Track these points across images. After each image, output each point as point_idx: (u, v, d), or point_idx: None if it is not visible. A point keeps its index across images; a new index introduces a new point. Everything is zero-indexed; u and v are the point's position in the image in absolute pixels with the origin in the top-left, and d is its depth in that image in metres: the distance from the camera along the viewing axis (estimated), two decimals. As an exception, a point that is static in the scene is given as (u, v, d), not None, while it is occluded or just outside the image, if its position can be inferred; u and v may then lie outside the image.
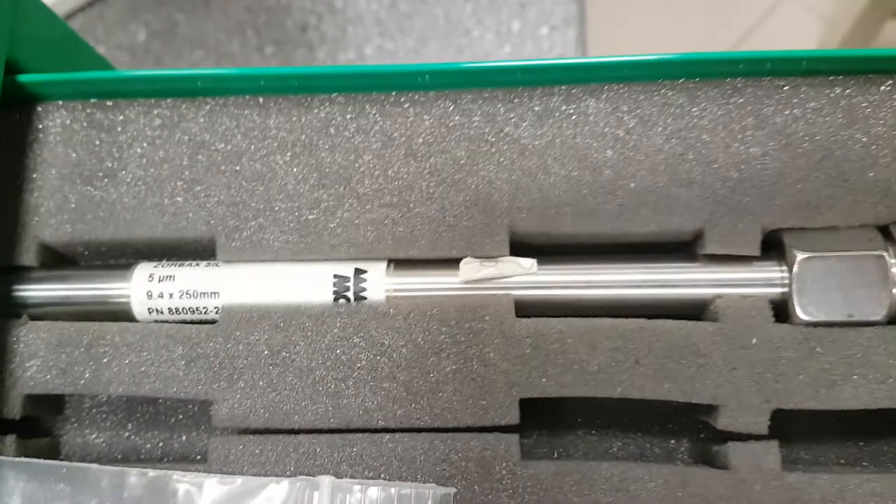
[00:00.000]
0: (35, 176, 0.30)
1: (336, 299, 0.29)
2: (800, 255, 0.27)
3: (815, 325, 0.27)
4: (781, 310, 0.28)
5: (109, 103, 0.30)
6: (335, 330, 0.28)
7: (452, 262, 0.29)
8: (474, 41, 0.76)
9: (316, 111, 0.30)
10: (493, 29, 0.77)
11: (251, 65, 0.75)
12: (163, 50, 0.76)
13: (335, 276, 0.29)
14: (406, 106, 0.30)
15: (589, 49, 0.79)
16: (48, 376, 0.29)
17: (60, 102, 0.30)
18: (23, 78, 0.29)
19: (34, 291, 0.30)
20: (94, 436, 0.32)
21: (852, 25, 1.26)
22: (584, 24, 0.79)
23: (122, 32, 0.76)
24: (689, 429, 0.31)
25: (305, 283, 0.29)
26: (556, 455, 0.31)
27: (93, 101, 0.30)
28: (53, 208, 0.30)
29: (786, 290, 0.28)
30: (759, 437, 0.27)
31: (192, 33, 0.76)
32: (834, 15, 1.39)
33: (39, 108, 0.30)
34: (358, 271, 0.29)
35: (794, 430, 0.30)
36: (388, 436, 0.28)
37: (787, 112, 0.29)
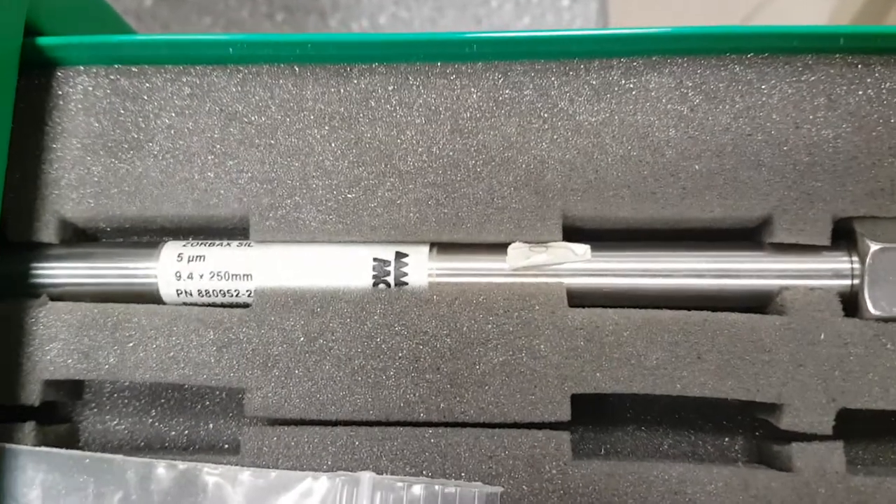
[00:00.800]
0: (55, 146, 0.28)
1: (376, 284, 0.27)
2: (873, 246, 0.26)
3: (887, 320, 0.26)
4: (851, 303, 0.26)
5: (135, 69, 0.28)
6: (375, 317, 0.27)
7: (500, 247, 0.27)
8: (492, 11, 0.74)
9: (356, 82, 0.28)
10: (512, -1, 0.74)
11: (261, 31, 0.73)
12: (170, 15, 0.73)
13: (375, 259, 0.27)
14: (452, 78, 0.28)
15: (610, 21, 0.77)
16: (69, 361, 0.27)
17: (82, 68, 0.28)
18: (42, 41, 0.27)
19: (54, 270, 0.28)
20: (115, 422, 0.30)
21: (859, 8, 1.24)
22: (606, -6, 0.77)
23: (128, -4, 0.74)
24: (743, 426, 0.29)
25: (343, 267, 0.27)
26: (603, 452, 0.29)
27: (117, 66, 0.28)
28: (75, 181, 0.28)
29: (856, 282, 0.26)
30: (823, 438, 0.26)
31: (200, -2, 0.74)
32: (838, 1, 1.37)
33: (59, 74, 0.28)
34: (399, 255, 0.27)
35: (856, 429, 0.28)
36: (430, 430, 0.26)
37: (860, 92, 0.27)
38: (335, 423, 0.26)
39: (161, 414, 0.31)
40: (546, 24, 0.74)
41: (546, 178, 0.27)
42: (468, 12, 0.75)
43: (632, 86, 0.27)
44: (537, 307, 0.26)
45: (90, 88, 0.28)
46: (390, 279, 0.27)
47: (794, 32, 0.26)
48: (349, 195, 0.27)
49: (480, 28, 0.75)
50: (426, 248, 0.28)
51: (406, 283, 0.27)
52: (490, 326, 0.26)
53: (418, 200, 0.27)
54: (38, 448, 0.26)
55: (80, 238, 0.29)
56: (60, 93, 0.28)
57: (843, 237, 0.27)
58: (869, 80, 0.27)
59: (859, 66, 0.27)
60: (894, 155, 0.26)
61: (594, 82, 0.27)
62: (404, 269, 0.27)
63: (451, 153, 0.27)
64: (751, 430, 0.29)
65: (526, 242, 0.27)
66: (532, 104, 0.27)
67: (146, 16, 0.75)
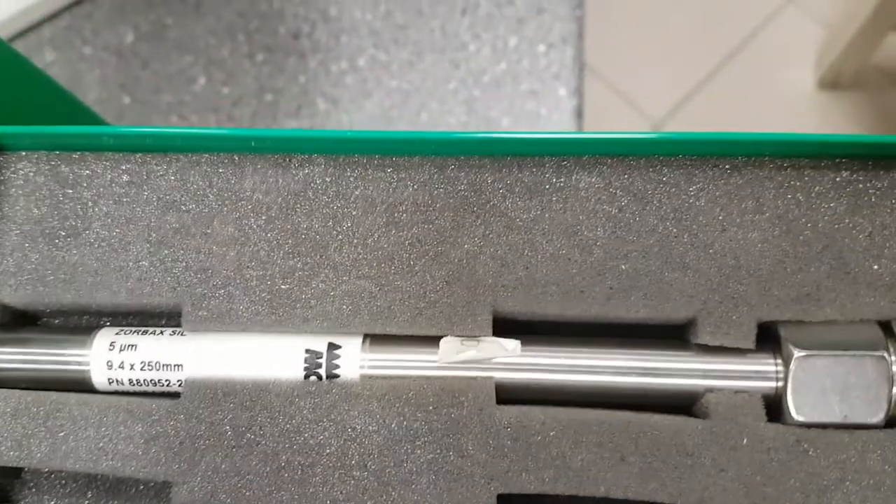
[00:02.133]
0: (-7, 232, 0.28)
1: (307, 376, 0.27)
2: (797, 353, 0.26)
3: (809, 426, 0.26)
4: (775, 406, 0.26)
5: (76, 156, 0.29)
6: (304, 411, 0.27)
7: (432, 341, 0.27)
8: (470, 56, 0.74)
9: (294, 172, 0.28)
10: (489, 44, 0.75)
11: (242, 71, 0.73)
12: (150, 53, 0.74)
13: (307, 350, 0.27)
14: (389, 171, 0.28)
15: (586, 67, 0.78)
16: (2, 448, 0.27)
17: (24, 153, 0.29)
18: (-17, 128, 0.28)
19: (-10, 355, 0.28)
20: (52, 502, 0.31)
21: (854, 35, 1.25)
22: (582, 42, 0.77)
23: (109, 33, 0.74)
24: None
25: (275, 358, 0.27)
26: (533, 547, 0.30)
27: (58, 153, 0.29)
28: (13, 267, 0.28)
29: (780, 384, 0.26)
30: None
31: (181, 36, 0.74)
32: (836, 23, 1.38)
33: (1, 159, 0.29)
34: (332, 346, 0.27)
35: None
36: None
37: (789, 196, 0.27)
38: (260, 520, 0.26)
39: (96, 496, 0.31)
40: (522, 70, 0.75)
41: (478, 273, 0.27)
42: (446, 56, 0.76)
43: (562, 184, 0.27)
44: (466, 404, 0.27)
45: (31, 174, 0.29)
46: (322, 371, 0.27)
47: (722, 139, 0.26)
48: (283, 286, 0.28)
49: (458, 73, 0.76)
50: (359, 340, 0.28)
51: (338, 376, 0.27)
52: (418, 424, 0.26)
53: (352, 292, 0.28)
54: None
55: (19, 322, 0.30)
56: (2, 178, 0.29)
57: (769, 340, 0.27)
58: (798, 183, 0.27)
59: (788, 169, 0.27)
60: (821, 260, 0.27)
61: (527, 180, 0.28)
62: (336, 361, 0.27)
63: (385, 246, 0.28)
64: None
65: (458, 336, 0.27)
66: (466, 199, 0.28)
67: (127, 52, 0.76)
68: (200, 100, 0.75)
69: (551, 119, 0.70)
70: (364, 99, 0.74)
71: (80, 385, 0.28)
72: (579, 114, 0.74)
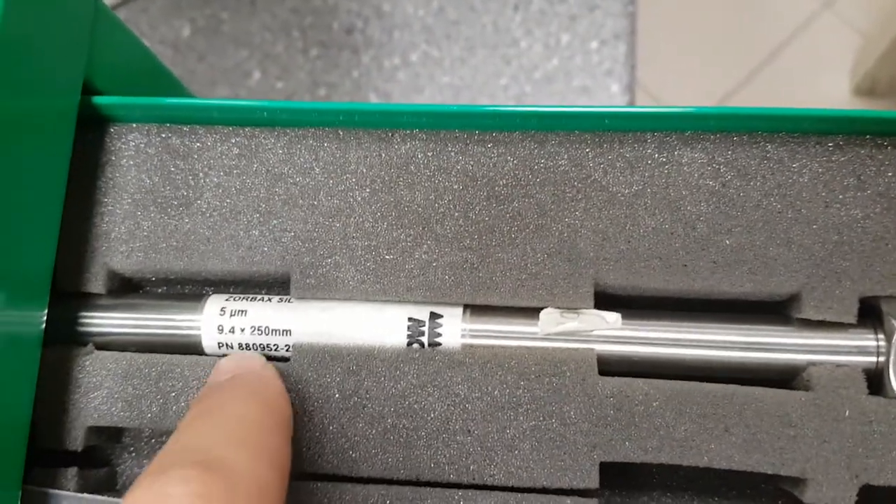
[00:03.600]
0: (107, 200, 0.29)
1: (410, 343, 0.28)
2: (900, 327, 0.26)
3: (912, 399, 0.26)
4: (876, 381, 0.27)
5: (186, 128, 0.29)
6: (409, 377, 0.27)
7: (532, 312, 0.28)
8: (521, 52, 0.75)
9: (397, 147, 0.29)
10: (541, 40, 0.76)
11: (295, 66, 0.74)
12: (206, 47, 0.75)
13: (410, 319, 0.28)
14: (489, 146, 0.29)
15: (638, 64, 0.78)
16: (113, 409, 0.28)
17: (135, 125, 0.30)
18: (98, 100, 0.29)
19: (101, 319, 0.29)
20: (152, 466, 0.31)
21: (891, 43, 1.24)
22: (634, 38, 0.78)
23: (165, 27, 0.75)
24: (767, 495, 0.30)
25: (379, 325, 0.28)
26: (628, 515, 0.30)
27: (168, 125, 0.30)
28: (125, 235, 0.29)
29: (882, 359, 0.27)
30: None
31: (236, 31, 0.76)
32: (871, 31, 1.37)
33: (113, 130, 0.30)
34: (433, 315, 0.28)
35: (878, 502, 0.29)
36: (460, 492, 0.27)
37: (889, 174, 0.27)
38: (366, 481, 0.27)
39: (197, 460, 0.31)
40: (574, 67, 0.75)
41: (579, 246, 0.28)
42: (498, 52, 0.77)
43: (665, 160, 0.28)
44: (568, 374, 0.27)
45: (142, 146, 0.29)
46: (424, 339, 0.28)
47: (826, 115, 0.27)
48: (387, 256, 0.28)
49: (509, 68, 0.76)
50: (460, 310, 0.28)
51: (440, 344, 0.28)
52: (521, 391, 0.27)
53: (454, 264, 0.28)
54: (80, 494, 0.27)
55: (128, 289, 0.30)
56: (114, 149, 0.30)
57: (870, 315, 0.27)
58: (898, 161, 0.27)
59: (889, 147, 0.27)
60: (922, 236, 0.27)
61: (628, 155, 0.28)
62: (438, 330, 0.28)
63: (486, 219, 0.28)
64: (774, 498, 0.30)
65: (558, 308, 0.28)
66: (566, 174, 0.28)
67: (183, 46, 0.77)
68: (255, 94, 0.77)
69: (604, 115, 0.71)
70: (416, 94, 0.75)
71: (189, 349, 0.29)
72: (631, 110, 0.75)
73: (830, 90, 1.38)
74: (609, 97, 0.75)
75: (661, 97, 1.32)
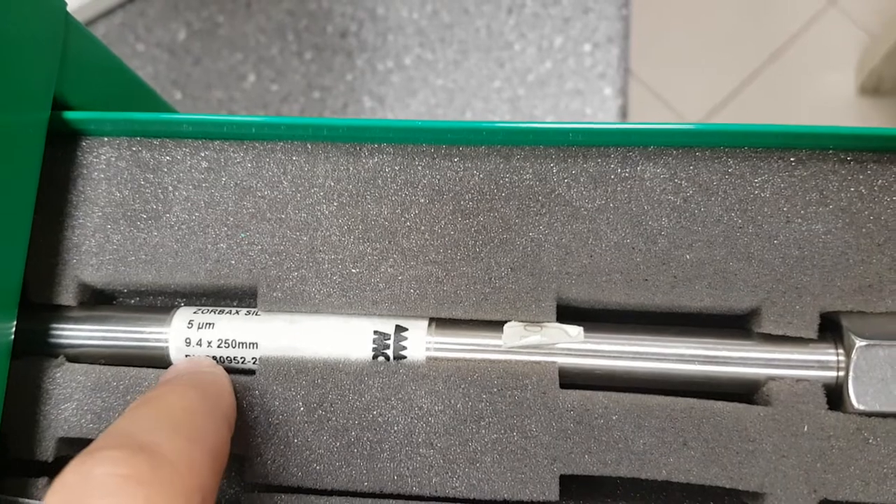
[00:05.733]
0: (77, 213, 0.30)
1: (375, 356, 0.28)
2: (859, 342, 0.26)
3: (870, 414, 0.26)
4: (835, 396, 0.27)
5: (156, 142, 0.30)
6: (373, 390, 0.28)
7: (496, 325, 0.28)
8: (515, 55, 0.75)
9: (364, 161, 0.29)
10: (535, 43, 0.76)
11: (290, 69, 0.75)
12: (202, 50, 0.76)
13: (375, 332, 0.28)
14: (456, 160, 0.29)
15: (632, 67, 0.78)
16: (83, 420, 0.28)
17: (106, 139, 0.30)
18: (68, 114, 0.29)
19: (71, 331, 0.29)
20: (124, 475, 0.32)
21: (896, 42, 1.24)
22: (627, 41, 0.78)
23: (162, 30, 0.76)
24: (730, 507, 0.30)
25: (345, 339, 0.28)
26: (592, 528, 0.30)
27: (139, 139, 0.30)
28: (95, 248, 0.29)
29: (841, 374, 0.27)
30: None
31: (232, 34, 0.76)
32: (877, 28, 1.37)
33: (84, 144, 0.30)
34: (399, 328, 0.28)
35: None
36: None
37: (852, 189, 0.27)
38: (330, 493, 0.27)
39: (168, 470, 0.32)
40: (567, 70, 0.76)
41: (542, 260, 0.28)
42: (491, 55, 0.77)
43: (627, 175, 0.28)
44: (530, 387, 0.27)
45: (113, 159, 0.30)
46: (389, 352, 0.28)
47: (789, 131, 0.27)
48: (353, 270, 0.29)
49: (502, 71, 0.77)
50: (425, 323, 0.29)
51: (405, 357, 0.28)
52: (483, 405, 0.27)
53: (419, 277, 0.28)
54: None
55: (98, 300, 0.31)
56: (85, 162, 0.30)
57: (831, 330, 0.27)
58: (861, 176, 0.28)
59: (852, 162, 0.28)
60: (883, 252, 0.27)
61: (591, 170, 0.28)
62: (403, 343, 0.28)
63: (452, 233, 0.29)
64: (737, 512, 0.30)
65: (521, 322, 0.28)
66: (531, 188, 0.28)
67: (179, 49, 0.77)
68: (250, 96, 0.77)
69: (596, 118, 0.71)
70: (410, 97, 0.75)
71: (158, 361, 0.29)
72: (624, 113, 0.75)
73: (836, 88, 1.38)
74: (602, 100, 0.75)
75: (665, 97, 1.32)
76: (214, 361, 0.28)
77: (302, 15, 0.77)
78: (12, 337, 0.27)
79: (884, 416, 0.26)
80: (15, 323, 0.27)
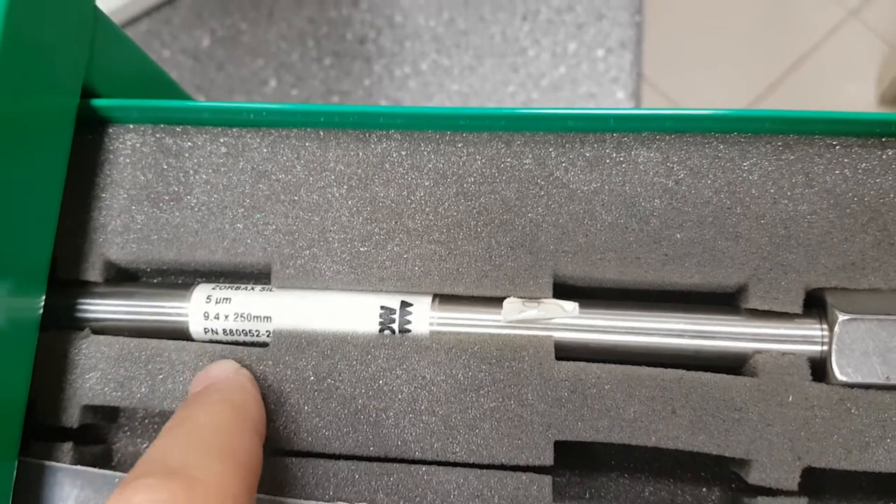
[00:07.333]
0: (104, 196, 0.32)
1: (381, 330, 0.30)
2: (841, 317, 0.27)
3: (852, 386, 0.27)
4: (819, 368, 0.28)
5: (178, 129, 0.32)
6: (379, 361, 0.29)
7: (496, 301, 0.30)
8: (529, 60, 0.77)
9: (373, 146, 0.31)
10: (548, 49, 0.77)
11: (310, 74, 0.77)
12: (225, 56, 0.78)
13: (382, 307, 0.30)
14: (460, 146, 0.30)
15: (644, 72, 0.80)
16: (106, 388, 0.30)
17: (131, 126, 0.32)
18: (96, 102, 0.31)
19: (97, 306, 0.31)
20: (145, 445, 0.34)
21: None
22: (640, 47, 0.79)
23: (186, 37, 0.78)
24: (720, 478, 0.31)
25: (353, 313, 0.30)
26: (587, 496, 0.32)
27: (162, 126, 0.32)
28: (120, 227, 0.31)
29: (825, 348, 0.28)
30: (789, 493, 0.27)
31: (254, 41, 0.78)
32: (898, 39, 1.37)
33: (111, 131, 0.32)
34: (404, 304, 0.30)
35: (824, 486, 0.30)
36: (424, 468, 0.28)
37: (837, 171, 0.29)
38: (338, 457, 0.29)
39: (186, 439, 0.34)
40: (580, 75, 0.77)
41: (540, 240, 0.30)
42: (506, 61, 0.79)
43: (622, 159, 0.30)
44: (527, 359, 0.29)
45: (138, 145, 0.32)
46: (395, 326, 0.30)
47: (774, 116, 0.28)
48: (361, 248, 0.30)
49: (517, 76, 0.78)
50: (429, 299, 0.30)
51: (409, 331, 0.30)
52: (483, 374, 0.29)
53: (423, 256, 0.30)
54: (74, 466, 0.29)
55: (122, 278, 0.33)
56: (111, 148, 0.32)
57: (815, 306, 0.29)
58: (846, 160, 0.29)
59: (837, 146, 0.29)
60: (866, 231, 0.28)
61: (588, 154, 0.30)
62: (408, 318, 0.30)
63: (455, 214, 0.30)
64: (727, 481, 0.31)
65: (519, 298, 0.29)
66: (530, 172, 0.30)
67: (203, 56, 0.80)
68: (271, 101, 0.79)
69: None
70: (426, 101, 0.77)
71: (178, 334, 0.31)
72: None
73: (856, 98, 1.38)
74: (615, 104, 0.76)
75: (678, 101, 1.33)
76: (238, 366, 0.29)
77: (322, 22, 0.79)
78: (41, 311, 0.29)
79: (865, 387, 0.27)
80: (44, 298, 0.29)
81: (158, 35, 0.80)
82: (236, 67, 0.79)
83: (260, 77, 0.80)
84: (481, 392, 0.29)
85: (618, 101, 0.76)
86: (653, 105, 1.32)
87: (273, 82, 0.79)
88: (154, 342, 0.30)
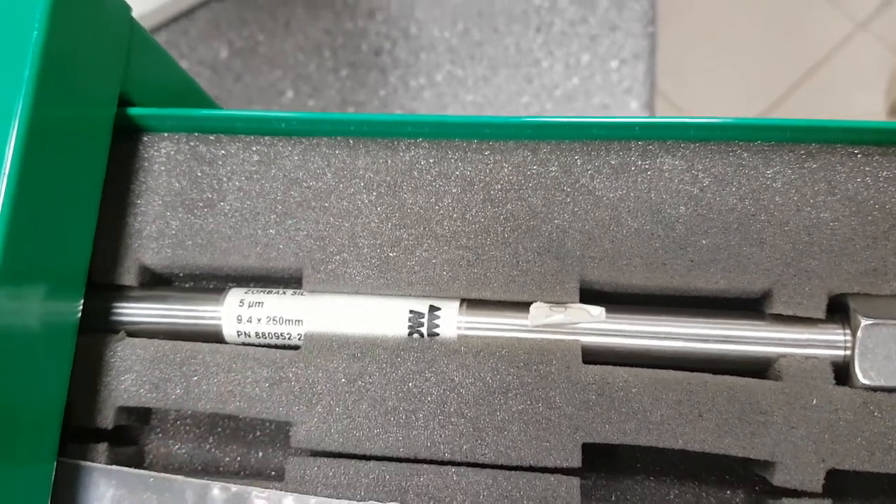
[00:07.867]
0: (139, 202, 0.32)
1: (410, 334, 0.30)
2: (864, 321, 0.28)
3: (875, 389, 0.28)
4: (842, 372, 0.29)
5: (212, 137, 0.33)
6: (408, 363, 0.30)
7: (523, 306, 0.30)
8: (543, 71, 0.77)
9: (402, 154, 0.31)
10: (562, 60, 0.78)
11: (326, 85, 0.78)
12: (243, 67, 0.79)
13: (411, 311, 0.31)
14: (487, 154, 0.31)
15: (658, 83, 0.80)
16: (141, 390, 0.31)
17: (166, 134, 0.33)
18: (132, 111, 0.32)
19: (132, 309, 0.32)
20: (177, 447, 0.34)
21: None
22: (654, 58, 0.80)
23: (204, 48, 0.79)
24: (744, 480, 0.32)
25: (383, 317, 0.31)
26: (613, 499, 0.32)
27: (196, 134, 0.33)
28: (155, 233, 0.32)
29: (848, 353, 0.28)
30: (812, 495, 0.28)
31: (271, 53, 0.79)
32: (908, 51, 1.37)
33: (146, 139, 0.33)
34: (432, 308, 0.31)
35: (847, 488, 0.30)
36: (453, 469, 0.29)
37: (858, 179, 0.29)
38: (368, 458, 0.30)
39: (217, 441, 0.34)
40: (594, 86, 0.78)
41: (566, 245, 0.30)
42: (520, 72, 0.79)
43: (647, 166, 0.30)
44: (554, 362, 0.29)
45: (172, 153, 0.33)
46: (424, 330, 0.30)
47: (796, 125, 0.29)
48: (391, 254, 0.31)
49: (531, 87, 0.79)
50: (457, 304, 0.31)
51: (438, 335, 0.30)
52: (511, 377, 0.29)
53: (451, 261, 0.31)
54: (109, 466, 0.30)
55: (157, 282, 0.33)
56: (146, 156, 0.33)
57: (838, 311, 0.29)
58: (867, 168, 0.29)
59: (859, 155, 0.29)
60: (888, 238, 0.29)
61: (613, 162, 0.30)
62: (437, 322, 0.30)
63: (482, 220, 0.31)
64: (751, 484, 0.31)
65: (546, 302, 0.30)
66: (557, 179, 0.31)
67: (221, 67, 0.81)
68: (288, 111, 0.80)
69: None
70: (440, 112, 0.77)
71: (211, 337, 0.32)
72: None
73: (865, 110, 1.38)
74: (628, 114, 0.77)
75: (691, 112, 1.34)
76: None
77: (338, 34, 0.80)
78: (79, 315, 0.30)
79: (888, 390, 0.28)
80: (82, 302, 0.30)
81: (176, 46, 0.81)
82: (254, 78, 0.80)
83: (277, 88, 0.80)
84: (509, 395, 0.29)
85: (631, 112, 0.77)
86: (665, 115, 1.32)
87: (290, 93, 0.80)
88: (188, 344, 0.31)
